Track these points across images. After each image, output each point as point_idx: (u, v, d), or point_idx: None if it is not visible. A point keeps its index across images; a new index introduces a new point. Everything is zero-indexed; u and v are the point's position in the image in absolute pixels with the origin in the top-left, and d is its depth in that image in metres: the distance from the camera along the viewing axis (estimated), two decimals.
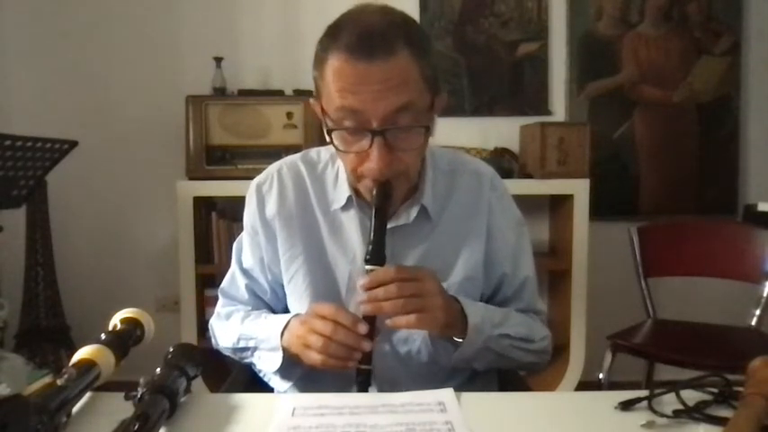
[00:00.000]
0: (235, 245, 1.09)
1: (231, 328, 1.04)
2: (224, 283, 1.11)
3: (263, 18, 2.64)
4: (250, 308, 1.07)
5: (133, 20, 2.63)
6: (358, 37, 0.81)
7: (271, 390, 1.04)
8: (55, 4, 2.62)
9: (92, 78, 2.64)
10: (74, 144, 2.04)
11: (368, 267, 0.86)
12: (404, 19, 0.87)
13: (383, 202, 0.88)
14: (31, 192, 2.06)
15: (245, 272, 1.06)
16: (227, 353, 1.06)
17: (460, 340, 0.91)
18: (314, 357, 0.86)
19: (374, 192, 0.88)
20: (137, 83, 2.64)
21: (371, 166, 0.84)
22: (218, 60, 2.47)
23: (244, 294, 1.07)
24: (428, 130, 0.86)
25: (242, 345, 1.01)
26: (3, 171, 1.87)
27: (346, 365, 0.85)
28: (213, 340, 1.10)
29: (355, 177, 0.91)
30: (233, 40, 2.63)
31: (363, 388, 0.85)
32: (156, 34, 2.63)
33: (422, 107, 0.85)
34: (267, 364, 0.97)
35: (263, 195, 1.03)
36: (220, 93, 2.45)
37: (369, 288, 0.84)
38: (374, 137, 0.82)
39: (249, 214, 1.05)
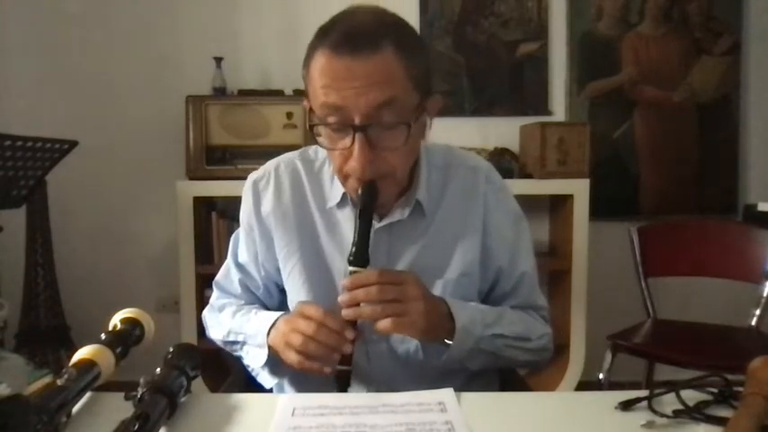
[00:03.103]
0: (232, 238, 1.10)
1: (222, 321, 1.05)
2: (218, 276, 1.12)
3: (263, 18, 2.64)
4: (243, 302, 1.08)
5: (133, 20, 2.63)
6: (344, 35, 0.81)
7: (270, 390, 1.04)
8: (55, 4, 2.62)
9: (92, 78, 2.63)
10: (74, 144, 2.04)
11: (351, 269, 0.86)
12: (395, 20, 0.87)
13: (368, 203, 0.87)
14: (31, 192, 2.06)
15: (240, 266, 1.07)
16: (219, 344, 1.08)
17: (450, 342, 0.90)
18: (292, 357, 0.86)
19: (359, 192, 0.87)
20: (137, 83, 2.64)
21: (354, 165, 0.83)
22: (218, 60, 2.47)
23: (237, 288, 1.08)
24: (410, 128, 0.83)
25: (231, 338, 1.02)
26: (3, 171, 1.87)
27: (322, 370, 0.84)
28: (207, 331, 1.12)
29: (342, 177, 0.90)
30: (233, 40, 2.63)
31: (342, 389, 0.85)
32: (156, 34, 2.63)
33: (407, 106, 0.84)
34: (254, 359, 0.98)
35: (258, 192, 1.04)
36: (220, 93, 2.45)
37: (350, 289, 0.84)
38: (355, 133, 0.82)
39: (245, 210, 1.06)
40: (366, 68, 0.80)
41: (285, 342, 0.88)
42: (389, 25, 0.84)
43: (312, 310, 0.87)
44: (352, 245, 0.86)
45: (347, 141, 0.83)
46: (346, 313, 0.84)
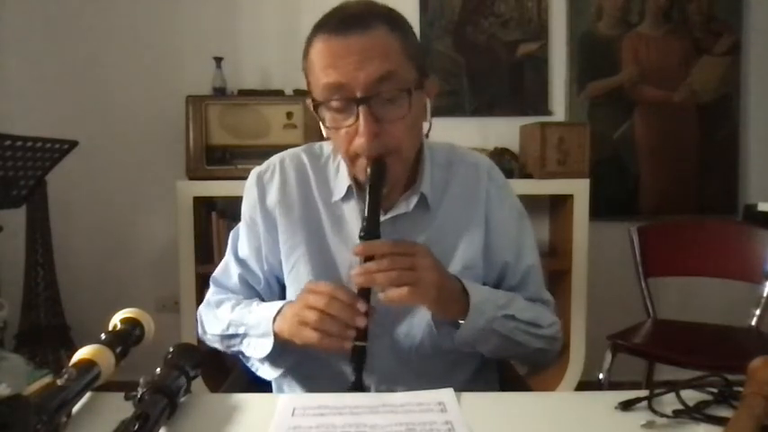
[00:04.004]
0: (231, 234, 1.09)
1: (221, 315, 1.03)
2: (216, 272, 1.10)
3: (263, 18, 2.64)
4: (241, 297, 1.06)
5: (133, 20, 2.63)
6: (338, 20, 0.85)
7: (270, 390, 1.04)
8: (55, 4, 2.62)
9: (92, 78, 2.64)
10: (74, 144, 2.05)
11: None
12: (386, 8, 0.89)
13: (377, 179, 0.88)
14: (31, 192, 2.06)
15: (240, 261, 1.06)
16: (215, 341, 1.05)
17: (462, 322, 0.90)
18: (309, 334, 0.85)
19: (368, 170, 0.88)
20: (137, 83, 2.64)
21: (361, 140, 0.85)
22: (218, 60, 2.47)
23: (236, 284, 1.07)
24: (411, 95, 0.85)
25: (231, 331, 1.00)
26: (3, 171, 1.87)
27: (342, 345, 0.83)
28: (200, 328, 1.09)
29: (350, 159, 0.91)
30: (233, 40, 2.63)
31: (358, 365, 0.85)
32: (156, 34, 2.64)
33: (406, 80, 0.85)
34: (256, 350, 0.96)
35: (263, 185, 1.03)
36: (220, 93, 2.45)
37: (362, 256, 0.85)
38: (359, 106, 0.83)
39: (248, 204, 1.05)
40: (362, 43, 0.82)
41: (299, 321, 0.86)
42: (380, 9, 0.88)
43: (322, 285, 0.87)
44: (363, 219, 0.87)
45: (352, 119, 0.85)
46: (358, 281, 0.84)
